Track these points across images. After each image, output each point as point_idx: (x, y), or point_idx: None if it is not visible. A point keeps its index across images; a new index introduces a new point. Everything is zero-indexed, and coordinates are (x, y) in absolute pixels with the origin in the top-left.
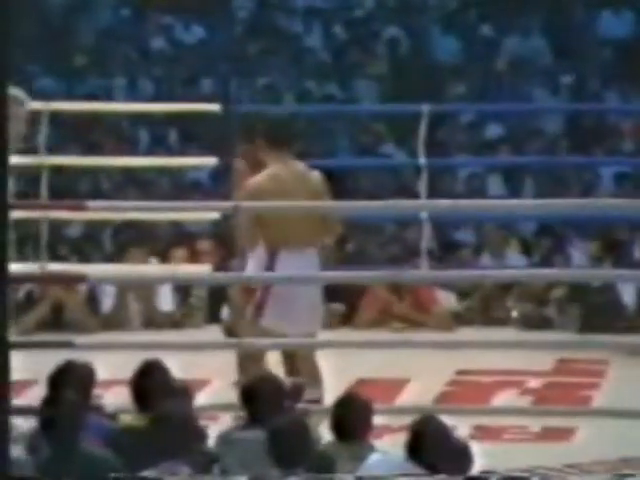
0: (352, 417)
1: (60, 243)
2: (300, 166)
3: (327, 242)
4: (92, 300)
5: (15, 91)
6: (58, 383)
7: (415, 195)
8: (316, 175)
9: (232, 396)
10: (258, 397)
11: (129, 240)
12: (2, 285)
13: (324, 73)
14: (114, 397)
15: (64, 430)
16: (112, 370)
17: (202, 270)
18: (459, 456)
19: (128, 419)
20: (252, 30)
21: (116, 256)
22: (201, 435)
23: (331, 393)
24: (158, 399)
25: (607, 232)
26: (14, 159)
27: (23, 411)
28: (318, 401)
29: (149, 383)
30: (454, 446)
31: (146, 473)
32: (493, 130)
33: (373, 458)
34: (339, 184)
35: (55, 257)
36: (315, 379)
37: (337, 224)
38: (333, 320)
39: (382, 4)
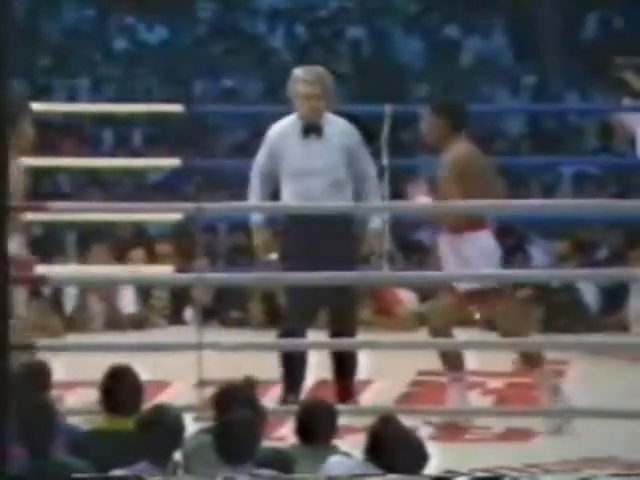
0: (316, 421)
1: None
2: None
3: None
4: (55, 301)
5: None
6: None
7: None
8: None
9: (193, 398)
10: (231, 402)
11: (91, 241)
12: (4, 286)
13: (287, 73)
14: (76, 399)
15: (39, 435)
16: (75, 372)
17: (164, 271)
18: (417, 457)
19: (100, 421)
20: (215, 31)
21: (78, 257)
22: (181, 441)
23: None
24: (129, 403)
25: (571, 232)
26: None
27: None
28: None
29: (119, 387)
30: (412, 447)
31: (117, 472)
32: None
33: (332, 460)
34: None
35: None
36: None
37: None
38: None
39: (345, 5)
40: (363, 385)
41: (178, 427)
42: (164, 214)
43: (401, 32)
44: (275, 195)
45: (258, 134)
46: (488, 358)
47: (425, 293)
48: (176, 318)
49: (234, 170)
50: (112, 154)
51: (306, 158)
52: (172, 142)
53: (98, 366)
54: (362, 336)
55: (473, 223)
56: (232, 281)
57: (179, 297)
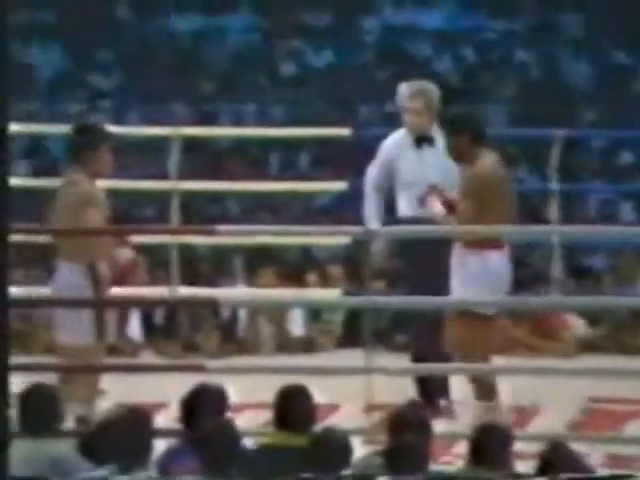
0: (489, 443)
1: (191, 268)
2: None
3: None
4: (231, 325)
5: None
6: (193, 406)
7: (541, 220)
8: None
9: (362, 421)
10: (405, 425)
11: (258, 265)
12: (3, 308)
13: (453, 96)
14: (244, 421)
15: (220, 456)
16: (245, 394)
17: (332, 294)
18: None
19: (273, 439)
20: (381, 55)
21: (247, 280)
22: (348, 463)
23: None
24: (302, 422)
25: None
26: (146, 184)
27: (163, 433)
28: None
29: (293, 406)
30: (583, 473)
31: None
32: (626, 157)
33: None
34: None
35: (186, 282)
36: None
37: None
38: None
39: (512, 27)
40: (532, 412)
41: (346, 449)
42: (332, 237)
43: (569, 56)
44: (388, 205)
45: None
46: None
47: (594, 319)
48: (348, 341)
49: None
50: (279, 178)
51: (421, 168)
52: (338, 165)
53: (266, 389)
54: (532, 361)
55: (486, 242)
56: (401, 305)
57: (351, 320)
